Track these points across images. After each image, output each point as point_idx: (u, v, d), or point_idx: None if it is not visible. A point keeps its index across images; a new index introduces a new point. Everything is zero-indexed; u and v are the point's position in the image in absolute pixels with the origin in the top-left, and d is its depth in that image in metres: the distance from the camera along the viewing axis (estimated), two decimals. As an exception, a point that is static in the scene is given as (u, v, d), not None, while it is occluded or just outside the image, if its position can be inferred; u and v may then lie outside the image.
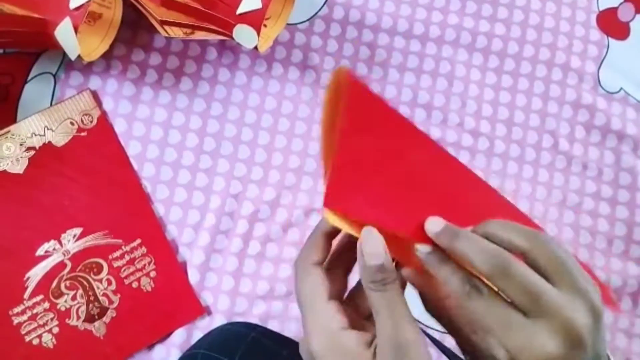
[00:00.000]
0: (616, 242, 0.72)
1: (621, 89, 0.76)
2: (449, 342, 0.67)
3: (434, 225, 0.33)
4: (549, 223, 0.72)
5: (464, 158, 0.72)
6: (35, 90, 0.65)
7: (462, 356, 0.67)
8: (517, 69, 0.75)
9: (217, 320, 0.65)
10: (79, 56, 0.59)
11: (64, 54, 0.60)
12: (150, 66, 0.68)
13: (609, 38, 0.77)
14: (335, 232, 0.37)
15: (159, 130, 0.67)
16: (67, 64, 0.66)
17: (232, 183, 0.68)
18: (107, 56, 0.65)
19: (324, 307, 0.34)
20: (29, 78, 0.65)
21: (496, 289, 0.31)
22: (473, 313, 0.31)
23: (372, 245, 0.32)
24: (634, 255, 0.72)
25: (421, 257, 0.33)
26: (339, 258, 0.38)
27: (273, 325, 0.66)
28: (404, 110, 0.73)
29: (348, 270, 0.38)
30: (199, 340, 0.56)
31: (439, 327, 0.68)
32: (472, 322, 0.36)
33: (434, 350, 0.67)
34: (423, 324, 0.68)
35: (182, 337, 0.64)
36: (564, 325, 0.29)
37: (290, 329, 0.66)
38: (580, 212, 0.73)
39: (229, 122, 0.69)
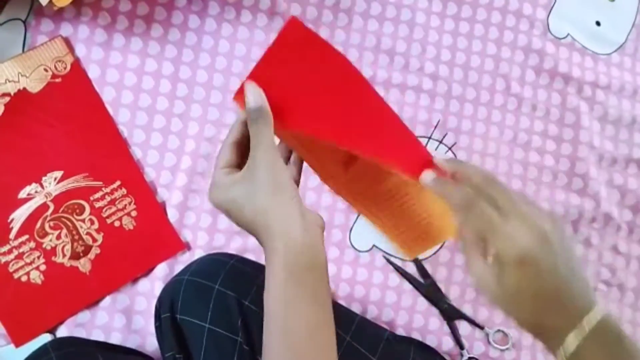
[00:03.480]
0: (560, 176, 0.80)
1: (568, 34, 0.82)
2: (410, 268, 0.74)
3: (429, 175, 0.43)
4: (501, 160, 0.78)
5: (424, 101, 0.77)
6: (5, 37, 0.66)
7: (422, 280, 0.74)
8: (473, 16, 0.79)
9: (197, 255, 0.69)
10: (50, 2, 0.59)
11: (33, 0, 0.61)
12: (121, 13, 0.69)
13: (559, -14, 0.82)
14: (240, 142, 0.43)
15: (133, 76, 0.69)
16: (36, 10, 0.67)
17: (205, 127, 0.71)
18: (76, 3, 0.66)
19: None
20: (-2, 25, 0.66)
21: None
22: (468, 222, 0.40)
23: (254, 93, 0.40)
24: (576, 188, 0.80)
25: (427, 183, 0.43)
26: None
27: (249, 258, 0.71)
28: (367, 56, 0.76)
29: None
30: (183, 269, 0.60)
31: (400, 255, 0.74)
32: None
33: (396, 276, 0.74)
34: (387, 253, 0.74)
35: (165, 271, 0.68)
36: (531, 224, 0.39)
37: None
38: (529, 150, 0.79)
39: (201, 68, 0.71)
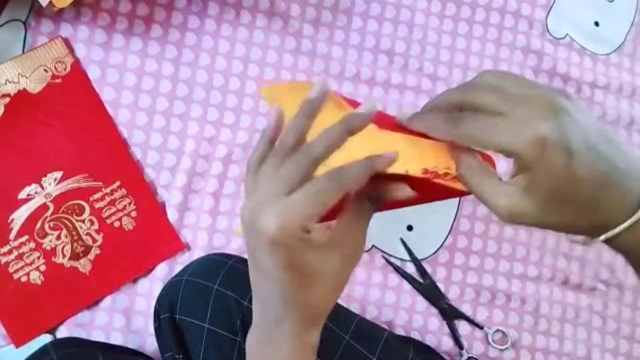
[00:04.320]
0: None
1: (567, 34, 0.82)
2: (410, 268, 0.74)
3: (403, 115, 0.38)
4: (501, 159, 0.78)
5: (423, 102, 0.77)
6: (5, 38, 0.66)
7: (421, 280, 0.74)
8: (472, 16, 0.79)
9: (196, 255, 0.69)
10: (49, 3, 0.60)
11: (33, 1, 0.61)
12: (120, 13, 0.69)
13: (558, -14, 0.82)
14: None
15: (132, 76, 0.69)
16: (36, 11, 0.67)
17: (205, 127, 0.71)
18: (76, 4, 0.66)
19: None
20: (-2, 25, 0.66)
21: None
22: (464, 136, 0.34)
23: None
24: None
25: (403, 121, 0.38)
26: None
27: (249, 258, 0.71)
28: (367, 56, 0.76)
29: None
30: (182, 269, 0.60)
31: (400, 255, 0.74)
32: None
33: (396, 276, 0.74)
34: (386, 253, 0.74)
35: (165, 271, 0.68)
36: (536, 100, 0.32)
37: (265, 261, 0.71)
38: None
39: (200, 68, 0.72)
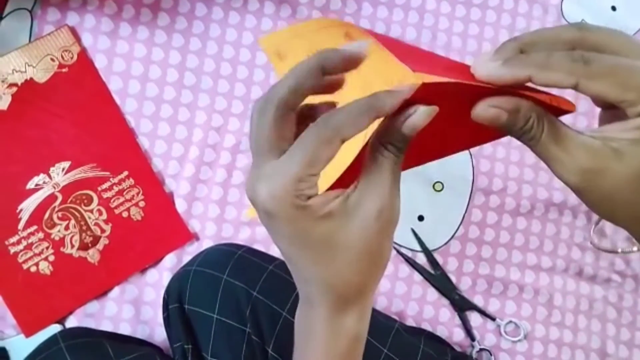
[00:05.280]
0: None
1: (582, 20, 0.80)
2: (420, 259, 0.73)
3: (485, 60, 0.28)
4: (512, 149, 0.77)
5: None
6: (12, 27, 0.66)
7: (432, 271, 0.73)
8: (485, 2, 0.78)
9: (205, 245, 0.69)
10: (55, -10, 0.59)
11: (39, -11, 0.61)
12: (127, 1, 0.69)
13: (573, -30, 0.80)
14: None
15: (139, 65, 0.69)
16: (42, 0, 0.66)
17: (213, 117, 0.70)
18: (82, -9, 0.66)
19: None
20: (4, 14, 0.65)
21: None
22: (600, 76, 0.26)
23: (422, 121, 0.28)
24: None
25: (490, 69, 0.28)
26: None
27: (258, 248, 0.70)
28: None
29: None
30: (191, 260, 0.60)
31: (411, 245, 0.73)
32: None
33: (406, 267, 0.73)
34: (396, 244, 0.73)
35: (173, 261, 0.68)
36: None
37: (274, 252, 0.70)
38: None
39: (208, 56, 0.71)
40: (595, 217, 0.78)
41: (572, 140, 0.27)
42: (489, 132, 0.31)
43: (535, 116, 0.28)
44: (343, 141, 0.27)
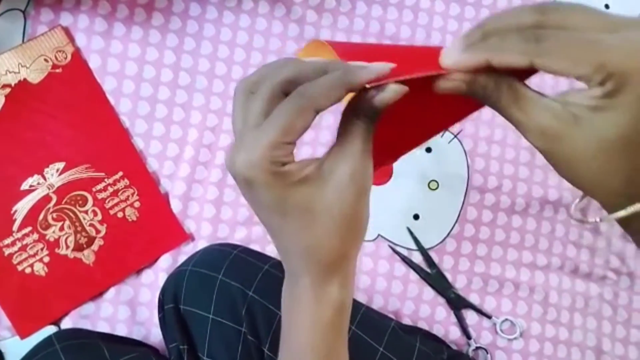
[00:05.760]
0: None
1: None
2: (416, 257, 0.74)
3: (453, 50, 0.30)
4: (507, 147, 0.77)
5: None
6: (4, 27, 0.65)
7: (428, 270, 0.73)
8: (479, 0, 0.78)
9: (200, 246, 0.69)
10: (48, -10, 0.59)
11: (32, -11, 0.61)
12: (120, 1, 0.68)
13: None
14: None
15: (134, 65, 0.69)
16: (35, 0, 0.66)
17: (208, 116, 0.70)
18: (76, -9, 0.66)
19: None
20: (-2, 15, 0.65)
21: None
22: (552, 54, 0.26)
23: (392, 98, 0.29)
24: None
25: (454, 57, 0.29)
26: None
27: (254, 248, 0.70)
28: (371, 42, 0.75)
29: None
30: (186, 260, 0.59)
31: (407, 244, 0.73)
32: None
33: (402, 265, 0.73)
34: (392, 242, 0.73)
35: (169, 262, 0.68)
36: None
37: (270, 252, 0.70)
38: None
39: (202, 56, 0.71)
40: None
41: (533, 102, 0.28)
42: (464, 106, 0.33)
43: (493, 82, 0.29)
44: (317, 112, 0.28)
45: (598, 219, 0.30)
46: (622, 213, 0.28)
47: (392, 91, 0.29)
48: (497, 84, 0.29)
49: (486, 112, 0.76)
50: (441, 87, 0.30)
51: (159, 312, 0.58)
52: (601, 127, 0.26)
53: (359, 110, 0.30)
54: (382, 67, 0.29)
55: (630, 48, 0.25)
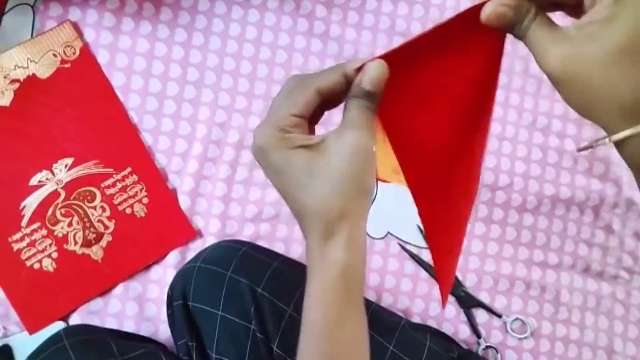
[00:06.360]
0: (581, 160, 0.77)
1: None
2: (426, 256, 0.73)
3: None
4: (519, 144, 0.76)
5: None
6: (14, 22, 0.65)
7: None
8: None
9: (209, 242, 0.68)
10: (57, -15, 0.58)
11: (41, -16, 0.60)
12: (129, -4, 0.68)
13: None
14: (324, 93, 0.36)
15: (142, 61, 0.68)
16: (44, -5, 0.66)
17: (217, 112, 0.70)
18: (84, -14, 0.65)
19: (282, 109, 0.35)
20: (7, 9, 0.65)
21: None
22: None
23: (377, 77, 0.34)
24: (597, 172, 0.77)
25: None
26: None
27: (262, 245, 0.70)
28: (381, 38, 0.74)
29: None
30: (195, 256, 0.59)
31: (416, 242, 0.73)
32: None
33: (412, 263, 0.73)
34: (402, 240, 0.73)
35: (177, 258, 0.67)
36: None
37: (279, 248, 0.70)
38: (549, 133, 0.77)
39: (211, 52, 0.70)
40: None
41: (556, 31, 0.31)
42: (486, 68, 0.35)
43: (533, 8, 0.32)
44: (317, 91, 0.34)
45: (607, 140, 0.31)
46: (629, 131, 0.29)
47: (374, 68, 0.34)
48: (533, 8, 0.31)
49: (497, 109, 0.76)
50: (489, 14, 0.32)
51: (168, 309, 0.58)
52: (612, 36, 0.29)
53: (353, 92, 0.35)
54: (368, 59, 0.34)
55: None
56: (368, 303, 0.60)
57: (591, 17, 0.30)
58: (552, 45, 0.30)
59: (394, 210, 0.73)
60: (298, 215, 0.35)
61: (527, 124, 0.76)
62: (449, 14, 0.75)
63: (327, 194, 0.33)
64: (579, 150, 0.34)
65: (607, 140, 0.31)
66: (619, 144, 0.31)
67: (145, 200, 0.67)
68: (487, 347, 0.72)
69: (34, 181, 0.64)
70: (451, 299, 0.72)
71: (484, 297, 0.73)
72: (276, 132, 0.34)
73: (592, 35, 0.29)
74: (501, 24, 0.32)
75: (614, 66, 0.29)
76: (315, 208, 0.34)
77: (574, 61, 0.30)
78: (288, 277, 0.55)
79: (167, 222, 0.67)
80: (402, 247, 0.72)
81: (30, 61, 0.64)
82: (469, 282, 0.73)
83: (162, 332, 0.66)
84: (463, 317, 0.72)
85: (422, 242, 0.73)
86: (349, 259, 0.34)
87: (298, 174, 0.34)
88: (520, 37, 0.32)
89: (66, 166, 0.65)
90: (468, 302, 0.72)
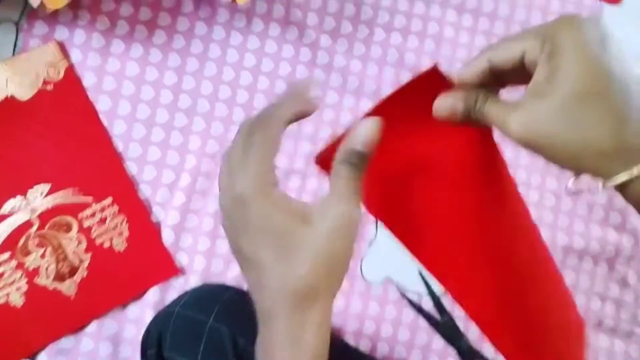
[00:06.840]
0: (596, 209, 0.73)
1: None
2: (427, 304, 0.69)
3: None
4: (532, 190, 0.72)
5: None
6: (-4, 40, 0.62)
7: (438, 317, 0.68)
8: (507, 32, 0.73)
9: (192, 281, 0.64)
10: (42, 4, 0.55)
11: (26, 1, 0.57)
12: (121, 17, 0.65)
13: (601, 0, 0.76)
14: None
15: (131, 85, 0.65)
16: (29, 12, 0.63)
17: (208, 142, 0.66)
18: (74, 5, 0.62)
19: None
20: (-10, 26, 0.62)
21: None
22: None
23: (370, 135, 0.32)
24: (613, 222, 0.73)
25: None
26: None
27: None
28: (388, 71, 0.71)
29: None
30: (175, 300, 0.55)
31: (417, 289, 0.69)
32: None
33: (411, 311, 0.68)
34: (401, 286, 0.68)
35: (157, 296, 0.63)
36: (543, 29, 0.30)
37: (266, 291, 0.65)
38: (563, 178, 0.73)
39: (206, 78, 0.67)
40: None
41: (510, 102, 0.31)
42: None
43: (481, 91, 0.32)
44: (285, 123, 0.33)
45: (600, 186, 0.30)
46: (624, 177, 0.28)
47: (368, 127, 0.31)
48: (484, 95, 0.32)
49: (508, 151, 0.72)
50: (438, 108, 0.33)
51: (142, 357, 0.53)
52: (559, 89, 0.28)
53: (343, 157, 0.32)
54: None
55: (539, 26, 0.30)
56: (362, 356, 0.57)
57: (536, 78, 0.30)
58: (509, 116, 0.30)
59: (394, 253, 0.69)
60: (261, 288, 0.31)
61: (540, 168, 0.72)
62: (461, 50, 0.72)
63: (302, 265, 0.30)
64: (572, 193, 0.33)
65: (599, 186, 0.30)
66: (621, 190, 0.30)
67: (125, 234, 0.62)
68: (490, 407, 0.66)
69: (5, 209, 0.60)
70: (452, 351, 0.68)
71: (487, 351, 0.68)
72: (260, 185, 0.30)
73: (541, 94, 0.29)
74: (454, 118, 0.33)
75: (573, 116, 0.29)
76: (290, 286, 0.30)
77: (533, 124, 0.30)
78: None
79: (147, 257, 0.63)
80: (402, 294, 0.69)
81: (10, 81, 0.60)
82: (472, 334, 0.68)
83: (137, 377, 0.62)
84: (464, 372, 0.68)
85: (423, 289, 0.69)
86: (321, 347, 0.31)
87: (277, 235, 0.30)
88: (477, 119, 0.32)
89: (42, 193, 0.61)
90: (470, 356, 0.67)
